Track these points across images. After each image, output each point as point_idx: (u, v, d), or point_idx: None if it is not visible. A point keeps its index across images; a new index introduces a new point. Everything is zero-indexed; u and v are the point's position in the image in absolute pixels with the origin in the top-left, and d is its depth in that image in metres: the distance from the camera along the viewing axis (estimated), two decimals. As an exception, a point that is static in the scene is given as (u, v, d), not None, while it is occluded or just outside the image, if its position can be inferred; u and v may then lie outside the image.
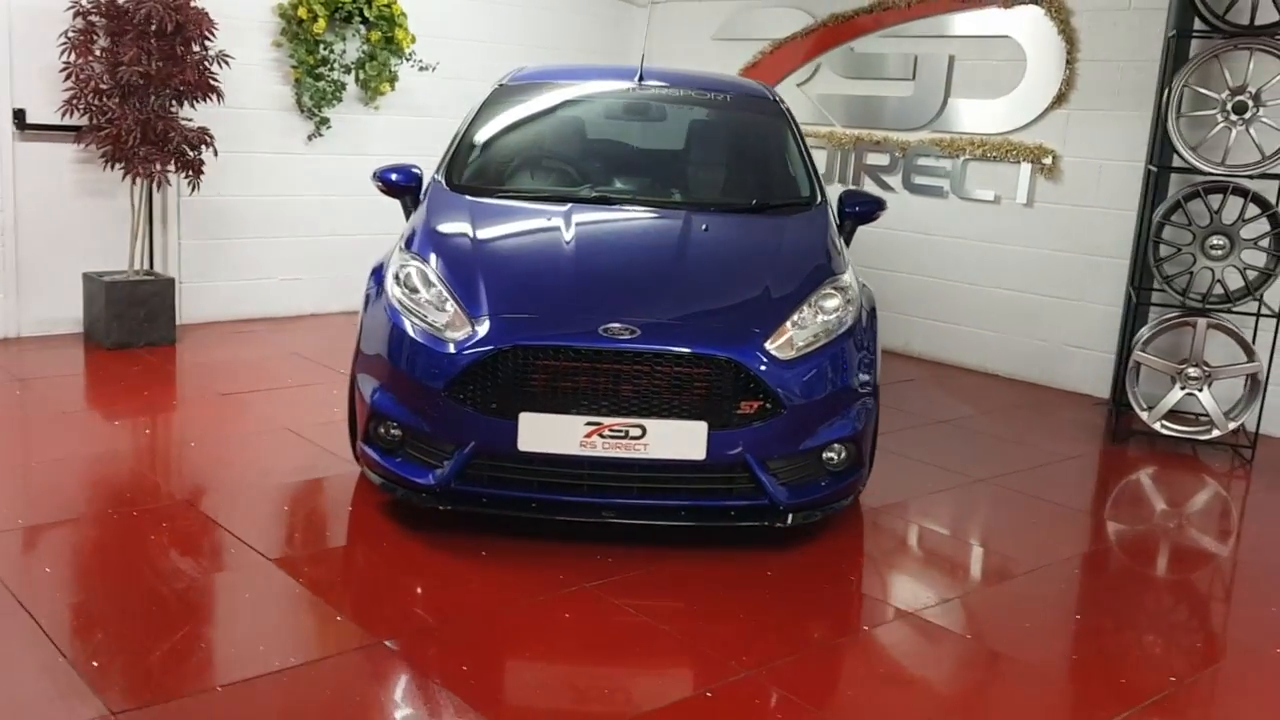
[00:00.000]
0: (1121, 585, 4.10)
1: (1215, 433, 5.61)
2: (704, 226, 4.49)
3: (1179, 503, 5.07)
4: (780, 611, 3.64)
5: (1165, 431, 5.68)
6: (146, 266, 6.72)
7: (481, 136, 5.16)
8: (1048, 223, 6.80)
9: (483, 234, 4.39)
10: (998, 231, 7.01)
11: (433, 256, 4.25)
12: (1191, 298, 5.59)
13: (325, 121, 7.41)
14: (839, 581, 3.95)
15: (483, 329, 3.87)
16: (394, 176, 5.07)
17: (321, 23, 7.07)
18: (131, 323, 6.45)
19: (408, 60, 7.52)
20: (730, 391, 3.83)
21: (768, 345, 3.90)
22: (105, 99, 6.26)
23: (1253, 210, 5.43)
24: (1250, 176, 5.40)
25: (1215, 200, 5.48)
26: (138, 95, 6.27)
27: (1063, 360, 6.77)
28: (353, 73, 7.43)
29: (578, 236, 4.36)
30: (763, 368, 3.84)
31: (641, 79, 5.40)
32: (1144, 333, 5.80)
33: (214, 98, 6.45)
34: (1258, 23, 5.33)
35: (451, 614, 3.46)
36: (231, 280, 7.30)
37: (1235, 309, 5.54)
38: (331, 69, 7.32)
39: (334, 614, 3.43)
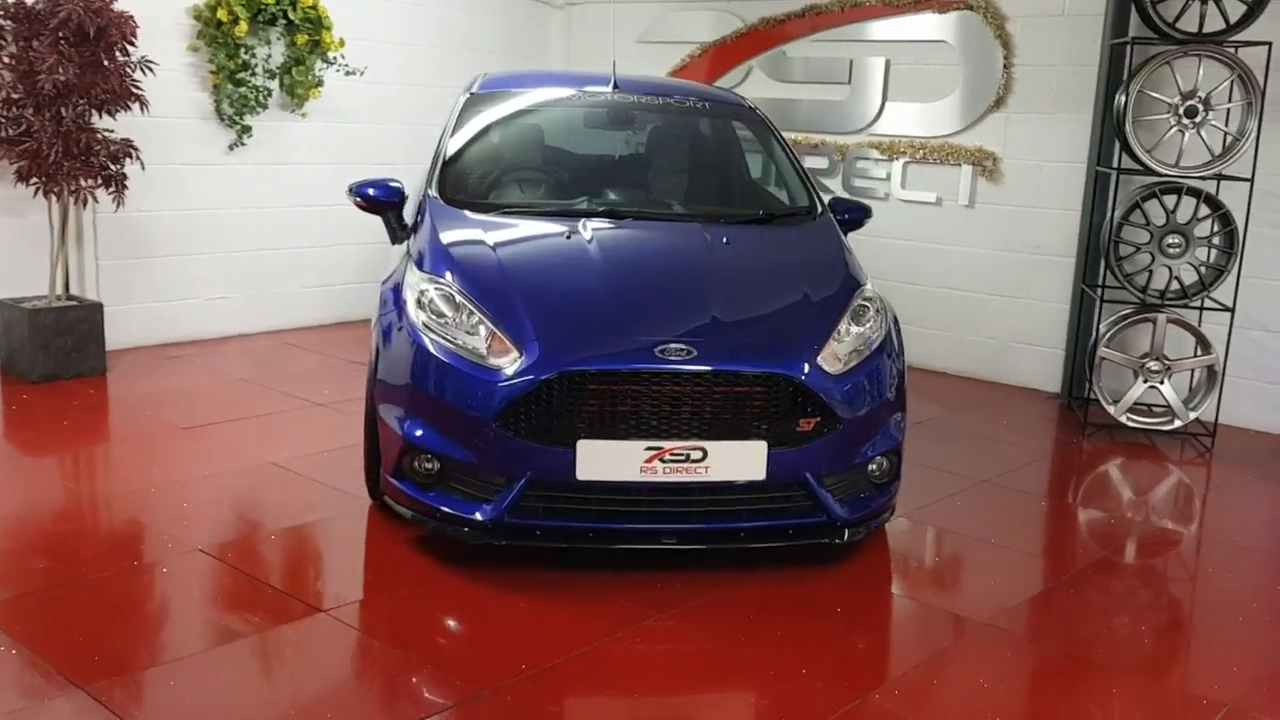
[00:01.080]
0: (1160, 580, 4.23)
1: (1176, 423, 5.84)
2: (724, 239, 4.42)
3: (1187, 497, 5.27)
4: (862, 632, 3.61)
5: (1130, 424, 5.88)
6: (65, 291, 6.24)
7: (470, 149, 4.98)
8: (990, 223, 6.97)
9: (504, 252, 4.23)
10: (941, 233, 7.15)
11: (450, 275, 4.06)
12: (1150, 294, 5.80)
13: (247, 130, 7.03)
14: (904, 596, 3.94)
15: (532, 354, 3.72)
16: (373, 191, 4.85)
17: (243, 25, 6.70)
18: (58, 353, 6.00)
19: (332, 65, 7.19)
20: (788, 409, 3.77)
21: (819, 360, 3.86)
22: (18, 109, 5.79)
23: (1205, 210, 5.66)
24: (1203, 178, 5.64)
25: (1171, 201, 5.70)
26: (55, 105, 5.81)
27: (1011, 357, 6.96)
28: (277, 78, 7.06)
29: (604, 253, 4.24)
30: (819, 383, 3.80)
31: (616, 87, 5.28)
32: (1103, 329, 6.00)
33: (138, 106, 6.04)
34: (1206, 30, 5.56)
35: (535, 658, 3.31)
36: (154, 302, 6.86)
37: (1191, 304, 5.77)
38: (254, 74, 6.94)
39: (420, 667, 3.24)
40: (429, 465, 3.88)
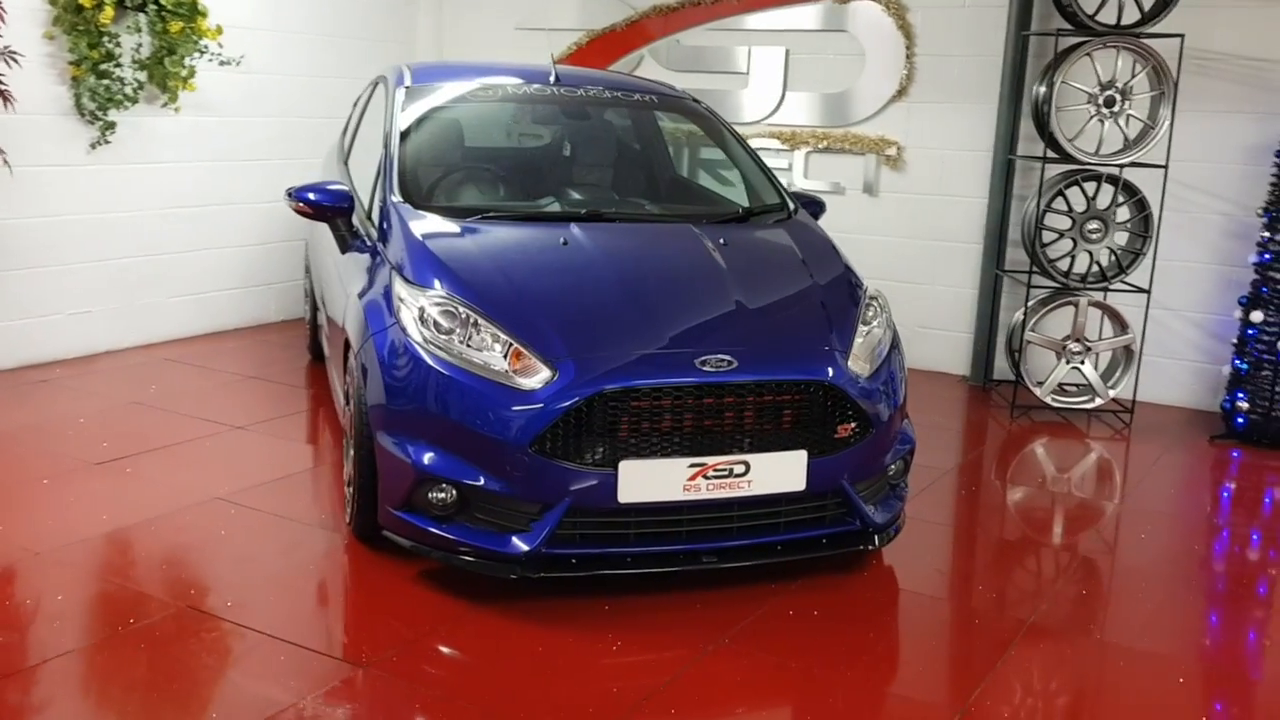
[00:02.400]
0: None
1: (1097, 402, 6.06)
2: (721, 240, 4.26)
3: (1111, 470, 5.44)
4: (917, 640, 3.54)
5: (1055, 404, 6.06)
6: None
7: (425, 149, 4.65)
8: (894, 212, 7.05)
9: (503, 262, 3.95)
10: (845, 222, 7.13)
11: (446, 287, 3.77)
12: (1073, 279, 5.98)
13: (110, 126, 6.37)
14: (943, 600, 3.89)
15: (568, 372, 3.48)
16: (313, 196, 4.48)
17: (109, 11, 6.05)
18: (-80, 382, 5.28)
19: (205, 54, 6.59)
20: (826, 416, 3.66)
21: (850, 364, 3.76)
22: None
23: (1123, 196, 5.87)
24: (1122, 165, 5.84)
25: (1091, 188, 5.89)
26: (-96, 102, 5.11)
27: (919, 342, 7.06)
28: (147, 69, 6.43)
29: (609, 260, 4.03)
30: (853, 388, 3.71)
31: (557, 80, 5.04)
32: (1020, 315, 6.17)
33: (2, 103, 5.38)
34: (1123, 22, 5.75)
35: (623, 698, 3.09)
36: (11, 320, 6.14)
37: (1112, 287, 5.98)
38: (119, 65, 6.29)
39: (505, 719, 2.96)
40: (443, 496, 3.57)
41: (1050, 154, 5.98)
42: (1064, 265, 6.02)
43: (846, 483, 3.73)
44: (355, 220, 4.56)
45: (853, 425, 3.70)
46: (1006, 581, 4.10)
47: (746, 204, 4.86)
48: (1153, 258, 5.94)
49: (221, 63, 6.66)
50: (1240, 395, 5.74)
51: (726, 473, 3.53)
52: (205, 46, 6.54)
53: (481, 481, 3.50)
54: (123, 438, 5.07)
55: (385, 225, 4.23)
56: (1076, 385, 6.19)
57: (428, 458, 3.57)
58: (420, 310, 3.70)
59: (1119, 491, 5.15)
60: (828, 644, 3.46)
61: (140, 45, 6.36)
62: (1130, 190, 5.86)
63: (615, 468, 3.45)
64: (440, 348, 3.61)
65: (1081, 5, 5.78)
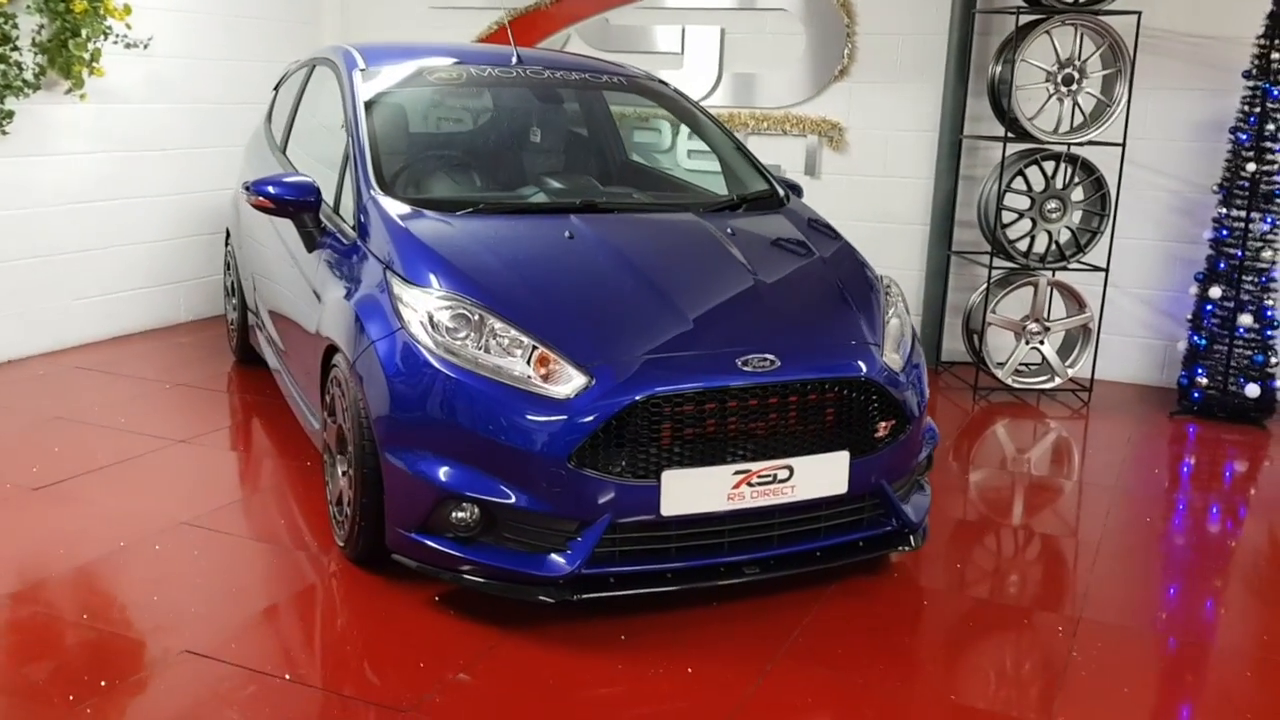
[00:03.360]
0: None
1: (1056, 381, 6.06)
2: (728, 230, 4.05)
3: (1072, 448, 5.44)
4: (982, 636, 3.41)
5: (1016, 385, 6.05)
6: None
7: (398, 138, 4.33)
8: (837, 193, 6.94)
9: (511, 259, 3.67)
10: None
11: (453, 288, 3.47)
12: (1032, 259, 5.96)
13: (8, 116, 5.80)
14: (984, 600, 3.77)
15: (606, 377, 3.22)
16: (274, 189, 4.13)
17: (4, -12, 5.49)
18: None
19: (111, 36, 6.05)
20: (867, 414, 3.49)
21: (884, 358, 3.61)
22: None
23: (1081, 175, 5.87)
24: (1080, 144, 5.83)
25: (1050, 167, 5.87)
26: None
27: (868, 325, 6.98)
28: (48, 53, 5.86)
29: (623, 254, 3.78)
30: (891, 382, 3.55)
31: (520, 61, 4.75)
32: (978, 297, 6.13)
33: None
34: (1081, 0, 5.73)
35: (691, 729, 2.87)
36: (-96, 330, 5.55)
37: (1070, 266, 5.98)
38: (16, 49, 5.72)
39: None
40: (466, 515, 3.29)
41: (1008, 134, 5.93)
42: (1023, 245, 5.99)
43: (885, 482, 3.57)
44: (321, 215, 4.19)
45: (891, 422, 3.54)
46: (1040, 575, 3.99)
47: (726, 190, 4.66)
48: (1110, 236, 5.95)
49: (128, 45, 6.12)
50: (1199, 371, 5.80)
51: (771, 479, 3.33)
52: (110, 28, 6.00)
53: (513, 499, 3.23)
54: (56, 458, 4.59)
55: (364, 220, 3.89)
56: (1031, 365, 6.18)
57: (449, 475, 3.27)
58: (428, 313, 3.40)
59: (1113, 470, 5.12)
60: (882, 653, 3.31)
61: (41, 27, 5.79)
62: (1088, 169, 5.86)
63: (658, 478, 3.21)
64: (455, 354, 3.31)
65: (1037, -17, 5.74)
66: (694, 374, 3.28)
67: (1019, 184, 5.93)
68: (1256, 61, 5.59)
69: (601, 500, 3.20)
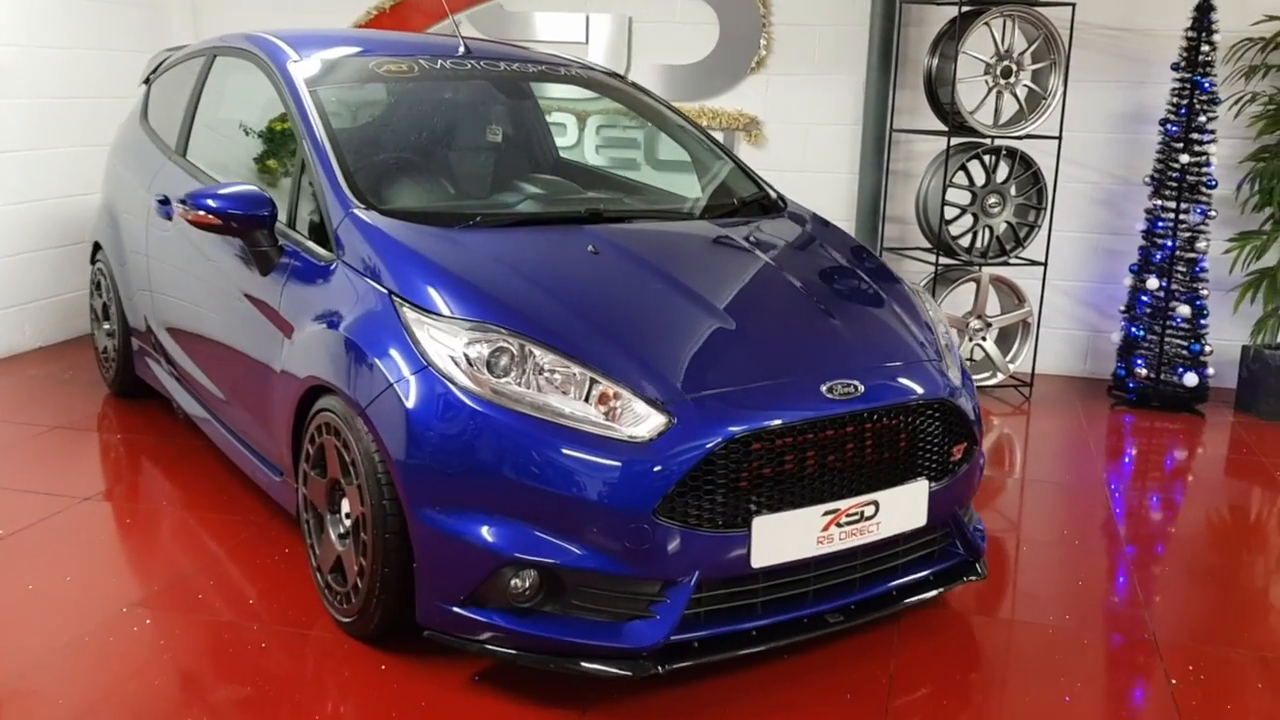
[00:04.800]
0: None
1: (1000, 377, 5.98)
2: (750, 239, 3.69)
3: (1019, 443, 5.34)
4: (1083, 681, 3.17)
5: (961, 384, 5.92)
6: None
7: (362, 143, 3.79)
8: (756, 189, 6.66)
9: (536, 278, 3.21)
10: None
11: (475, 313, 2.99)
12: (975, 255, 5.84)
13: None
14: (1066, 626, 3.53)
15: (687, 415, 2.82)
16: (215, 203, 3.57)
17: None
18: None
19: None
20: (942, 438, 3.20)
21: (949, 373, 3.33)
22: None
23: (1019, 169, 5.78)
24: (1018, 137, 5.74)
25: (989, 161, 5.76)
26: None
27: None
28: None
29: (656, 270, 3.37)
30: (961, 400, 3.27)
31: (469, 53, 4.27)
32: (935, 293, 5.99)
33: None
34: (1012, -8, 5.63)
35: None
36: None
37: (1011, 261, 5.89)
38: None
39: None
40: (524, 583, 2.82)
41: (951, 128, 5.78)
42: (964, 241, 5.86)
43: (958, 509, 3.30)
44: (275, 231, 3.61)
45: (964, 444, 3.26)
46: (1101, 593, 3.80)
47: (700, 191, 4.31)
48: (1048, 230, 5.89)
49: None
50: (1138, 361, 5.80)
51: (858, 516, 3.00)
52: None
53: (587, 561, 2.77)
54: (-63, 530, 3.82)
55: (345, 237, 3.33)
56: (972, 361, 6.08)
57: (506, 537, 2.79)
58: (460, 347, 2.90)
59: (1099, 465, 5.02)
60: (995, 693, 3.02)
61: None
62: (1026, 163, 5.77)
63: (748, 526, 2.83)
64: (501, 394, 2.83)
65: (973, -26, 5.60)
66: (782, 406, 2.91)
67: (959, 179, 5.78)
68: (1185, 54, 5.60)
69: (688, 556, 2.80)
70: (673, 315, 3.16)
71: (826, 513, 2.94)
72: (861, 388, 3.02)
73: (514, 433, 2.80)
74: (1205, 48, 5.56)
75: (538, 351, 2.89)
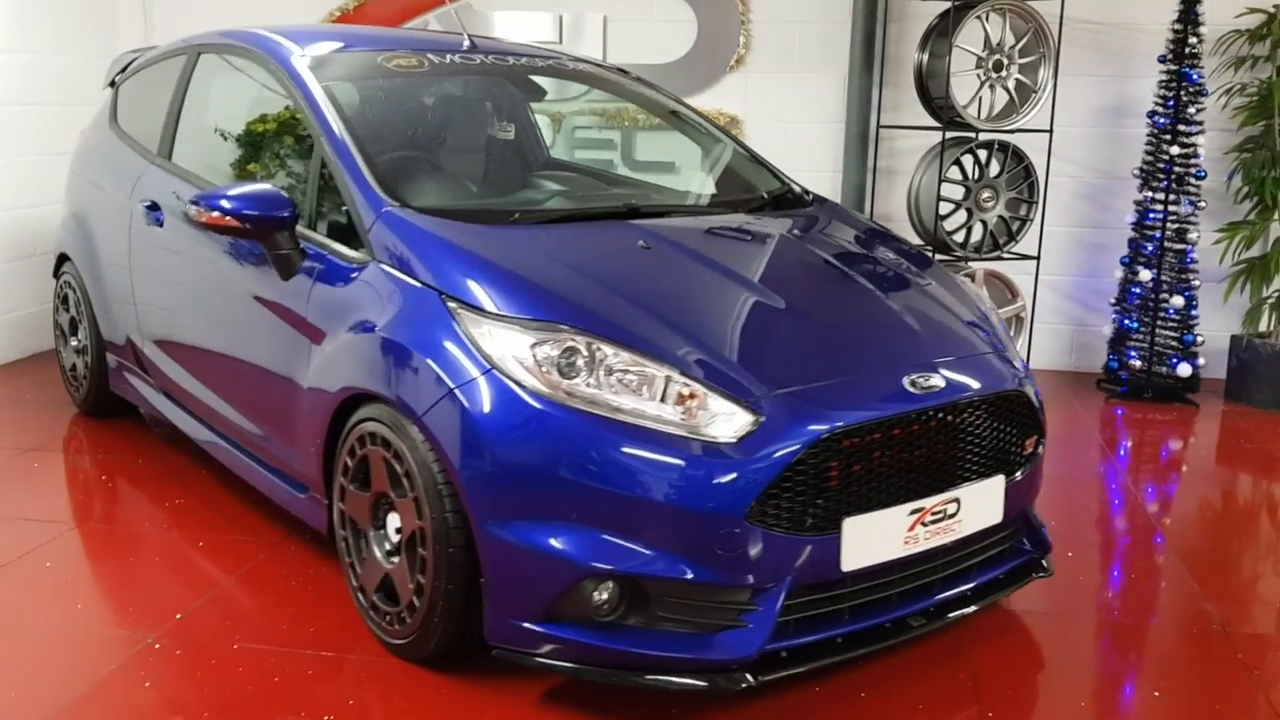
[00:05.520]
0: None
1: (994, 374, 5.93)
2: (792, 230, 3.58)
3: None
4: (1148, 656, 3.10)
5: (957, 381, 5.87)
6: None
7: (384, 141, 3.60)
8: (737, 189, 6.56)
9: (596, 275, 3.05)
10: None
11: (540, 313, 2.82)
12: (968, 250, 5.81)
13: None
14: (1120, 618, 3.45)
15: (777, 413, 2.69)
16: (229, 204, 3.33)
17: None
18: None
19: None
20: (1016, 431, 3.11)
21: (1017, 366, 3.24)
22: None
23: (1012, 163, 5.76)
24: (1010, 131, 5.72)
25: (983, 155, 5.73)
26: None
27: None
28: None
29: (719, 264, 3.24)
30: (1031, 394, 3.18)
31: (474, 48, 4.11)
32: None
33: None
34: (998, -15, 5.61)
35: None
36: None
37: (1005, 255, 5.86)
38: None
39: None
40: (606, 596, 2.66)
41: (946, 123, 5.73)
42: (959, 237, 5.82)
43: (1028, 504, 3.21)
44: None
45: (1034, 437, 3.17)
46: (1143, 582, 3.74)
47: (710, 187, 4.21)
48: (1040, 223, 5.87)
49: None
50: (1131, 354, 5.81)
51: (941, 515, 2.89)
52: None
53: (677, 570, 2.62)
54: (-79, 565, 3.53)
55: (378, 238, 3.14)
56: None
57: (588, 548, 2.62)
58: (527, 348, 2.73)
59: (1113, 458, 4.99)
60: (1080, 696, 2.93)
61: None
62: (1018, 157, 5.75)
63: (838, 528, 2.70)
64: (575, 395, 2.67)
65: (962, -33, 5.57)
66: (868, 401, 2.79)
67: (953, 174, 5.74)
68: (1172, 47, 5.62)
69: (780, 561, 2.66)
70: (738, 309, 3.03)
71: (912, 511, 2.82)
72: (942, 381, 2.91)
73: (591, 437, 2.63)
74: (1193, 40, 5.58)
75: (609, 350, 2.73)
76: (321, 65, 3.74)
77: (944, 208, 5.77)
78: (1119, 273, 5.93)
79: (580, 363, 2.72)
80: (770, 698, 2.85)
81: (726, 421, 2.66)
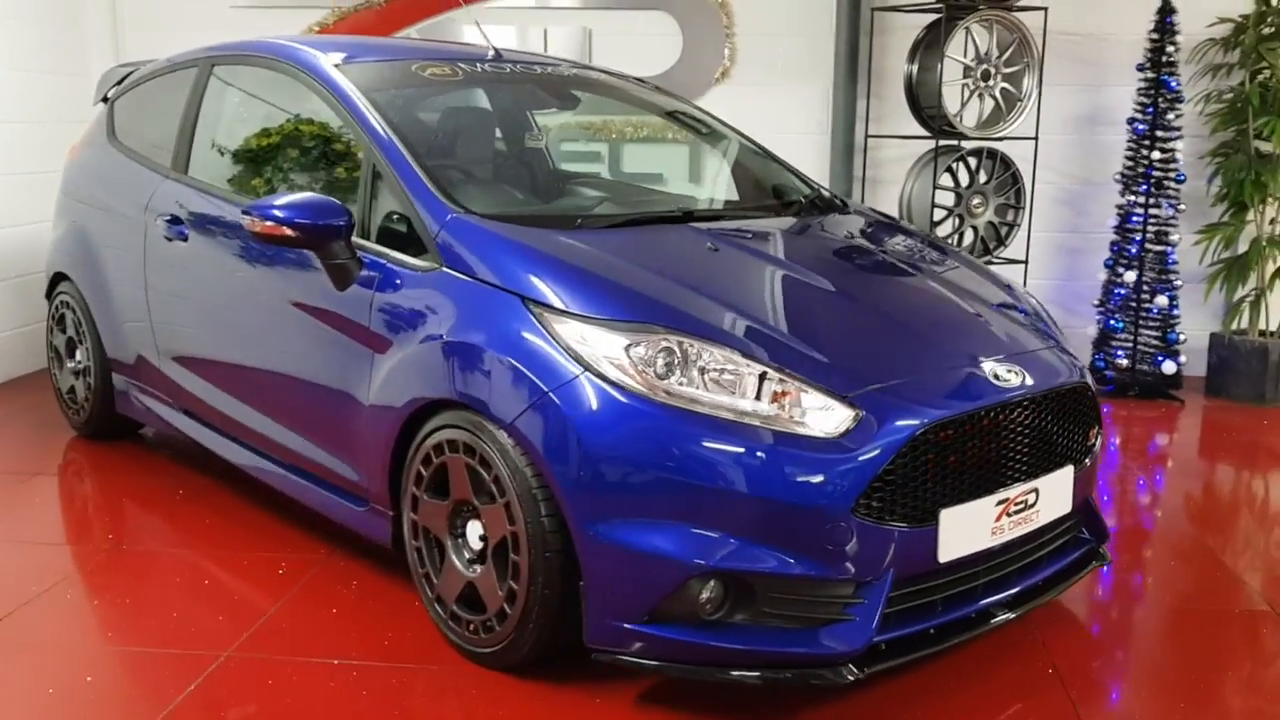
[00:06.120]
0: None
1: (986, 376, 6.06)
2: (848, 233, 3.63)
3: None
4: (1208, 634, 3.19)
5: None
6: None
7: (433, 148, 3.57)
8: (724, 200, 6.62)
9: (678, 276, 3.06)
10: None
11: (629, 314, 2.83)
12: (961, 256, 5.92)
13: None
14: (1176, 599, 3.53)
15: (877, 407, 2.73)
16: (281, 213, 3.28)
17: None
18: None
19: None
20: (1082, 422, 3.19)
21: (1077, 359, 3.33)
22: None
23: (1000, 170, 5.90)
24: (998, 138, 5.86)
25: (973, 162, 5.86)
26: None
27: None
28: None
29: (789, 264, 3.29)
30: (1094, 384, 3.27)
31: (499, 58, 4.13)
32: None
33: None
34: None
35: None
36: None
37: (995, 260, 5.99)
38: None
39: None
40: (712, 594, 2.67)
41: (938, 131, 5.85)
42: (951, 242, 5.93)
43: (1089, 495, 3.29)
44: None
45: (1096, 428, 3.25)
46: (1180, 560, 3.83)
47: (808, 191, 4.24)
48: (1027, 228, 6.02)
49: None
50: (1118, 353, 5.97)
51: (1023, 505, 2.95)
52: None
53: (786, 565, 2.63)
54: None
55: (447, 245, 3.11)
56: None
57: (697, 547, 2.63)
58: (621, 349, 2.73)
59: (1116, 452, 5.08)
60: (1162, 673, 3.01)
61: None
62: (1006, 163, 5.89)
63: (936, 520, 2.74)
64: (674, 394, 2.68)
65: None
66: (959, 393, 2.85)
67: (944, 181, 5.86)
68: (1150, 56, 5.82)
69: (883, 553, 2.69)
70: (818, 307, 3.07)
71: (999, 502, 2.88)
72: (1022, 374, 2.97)
73: (695, 436, 2.64)
74: (1170, 49, 5.78)
75: (701, 349, 2.75)
76: (358, 75, 3.70)
77: (937, 214, 5.88)
78: (1103, 274, 6.09)
79: (675, 362, 2.73)
80: (856, 694, 2.87)
81: (825, 417, 2.69)
